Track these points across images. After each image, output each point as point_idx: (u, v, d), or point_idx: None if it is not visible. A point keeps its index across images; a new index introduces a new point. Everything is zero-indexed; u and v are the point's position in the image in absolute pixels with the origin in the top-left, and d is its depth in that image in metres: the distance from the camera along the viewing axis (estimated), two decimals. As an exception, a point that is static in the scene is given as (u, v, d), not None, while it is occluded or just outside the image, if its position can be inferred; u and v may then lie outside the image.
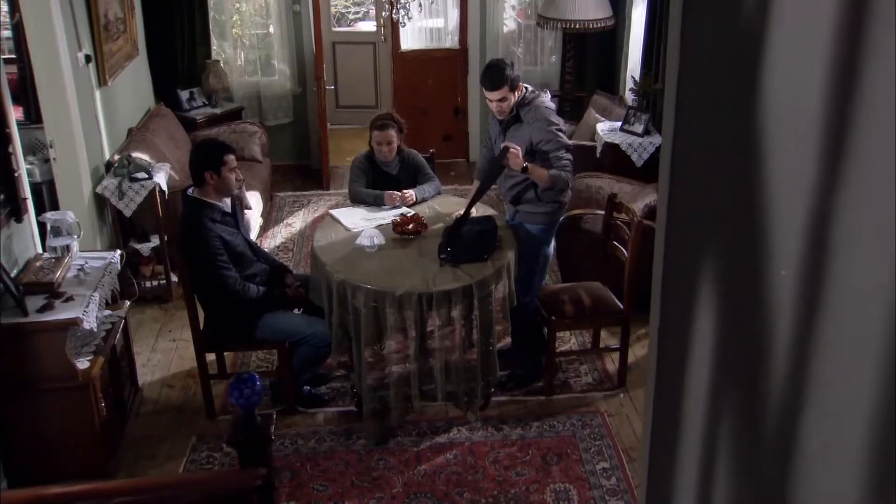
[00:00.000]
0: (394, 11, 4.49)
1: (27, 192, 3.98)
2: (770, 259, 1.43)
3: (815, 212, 1.25)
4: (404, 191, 4.56)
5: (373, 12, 9.11)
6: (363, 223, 4.36)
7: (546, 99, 4.25)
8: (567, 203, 4.36)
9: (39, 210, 4.80)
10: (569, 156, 4.15)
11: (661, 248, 1.88)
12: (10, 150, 3.78)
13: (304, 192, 7.17)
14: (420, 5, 4.64)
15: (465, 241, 4.00)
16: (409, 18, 4.36)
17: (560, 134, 4.14)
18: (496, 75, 4.08)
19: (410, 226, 4.22)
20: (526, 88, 4.22)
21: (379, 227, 4.28)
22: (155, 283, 5.33)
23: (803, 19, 1.26)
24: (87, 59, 5.05)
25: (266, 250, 5.98)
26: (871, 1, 1.07)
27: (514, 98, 4.14)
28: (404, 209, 4.48)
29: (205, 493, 2.20)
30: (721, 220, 1.66)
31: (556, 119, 4.21)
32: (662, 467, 2.08)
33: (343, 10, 9.44)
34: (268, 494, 2.36)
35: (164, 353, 4.81)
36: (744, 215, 1.50)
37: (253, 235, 5.93)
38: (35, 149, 5.44)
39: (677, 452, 1.95)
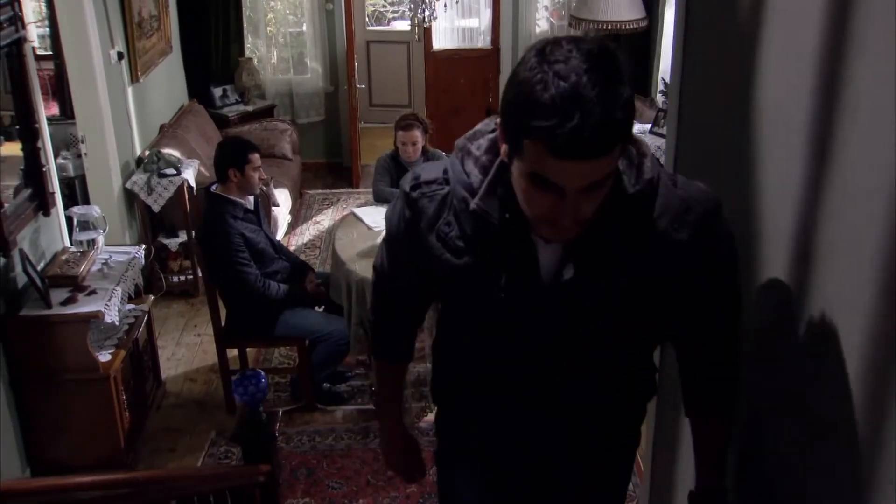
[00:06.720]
0: (419, 11, 4.48)
1: (55, 186, 4.04)
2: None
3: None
4: (426, 190, 4.54)
5: (408, 12, 9.10)
6: (384, 222, 4.35)
7: None
8: None
9: (73, 204, 4.90)
10: None
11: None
12: (39, 144, 3.85)
13: (334, 190, 7.20)
14: (445, 5, 4.63)
15: None
16: (434, 18, 4.35)
17: None
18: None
19: (431, 226, 4.20)
20: None
21: (400, 226, 4.27)
22: (182, 278, 5.39)
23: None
24: (120, 56, 5.13)
25: (293, 247, 6.07)
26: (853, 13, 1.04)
27: None
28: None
29: (208, 487, 2.21)
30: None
31: None
32: (662, 478, 2.05)
33: (381, 10, 9.47)
34: (271, 491, 2.38)
35: (189, 348, 4.86)
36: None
37: (281, 232, 5.97)
38: (69, 144, 5.54)
39: (676, 462, 1.93)
